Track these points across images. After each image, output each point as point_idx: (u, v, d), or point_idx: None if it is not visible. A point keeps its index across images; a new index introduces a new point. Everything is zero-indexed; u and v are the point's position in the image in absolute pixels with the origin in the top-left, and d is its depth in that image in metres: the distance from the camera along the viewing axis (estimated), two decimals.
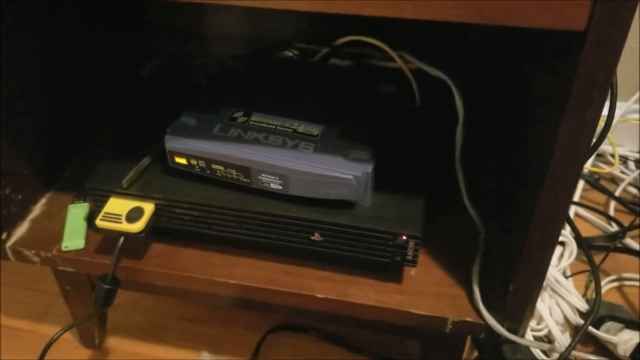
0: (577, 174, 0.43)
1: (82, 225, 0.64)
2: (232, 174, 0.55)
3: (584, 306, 0.71)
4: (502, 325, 0.55)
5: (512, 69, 0.67)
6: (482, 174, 0.67)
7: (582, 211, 0.94)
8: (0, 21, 0.57)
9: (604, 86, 0.38)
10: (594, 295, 0.77)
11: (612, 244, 0.84)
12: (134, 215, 0.56)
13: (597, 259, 0.82)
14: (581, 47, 0.36)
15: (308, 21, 0.81)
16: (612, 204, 0.95)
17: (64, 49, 0.68)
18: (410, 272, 0.59)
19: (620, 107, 0.98)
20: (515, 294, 0.52)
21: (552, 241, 0.47)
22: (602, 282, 0.83)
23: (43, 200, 0.68)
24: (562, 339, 0.69)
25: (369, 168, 0.52)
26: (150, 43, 0.90)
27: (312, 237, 0.55)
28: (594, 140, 0.43)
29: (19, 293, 0.86)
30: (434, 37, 0.76)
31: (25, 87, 0.63)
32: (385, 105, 0.61)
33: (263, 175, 0.54)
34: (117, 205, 0.57)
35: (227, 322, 0.81)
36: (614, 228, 0.90)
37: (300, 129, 0.56)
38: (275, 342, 0.78)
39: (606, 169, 0.99)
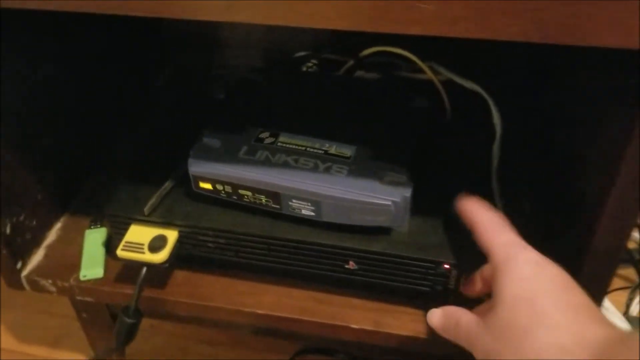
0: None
1: (100, 252, 0.61)
2: (261, 199, 0.52)
3: (625, 327, 0.67)
4: None
5: (552, 81, 0.64)
6: (516, 192, 0.64)
7: None
8: (13, 40, 0.55)
9: None
10: (635, 313, 0.74)
11: None
12: (157, 245, 0.53)
13: (630, 272, 0.79)
14: None
15: (329, 30, 0.77)
16: None
17: (74, 65, 0.65)
18: (450, 298, 0.56)
19: None
20: None
21: (610, 272, 0.44)
22: (638, 299, 0.79)
23: (58, 225, 0.65)
24: None
25: (407, 192, 0.49)
26: (163, 52, 0.86)
27: (346, 266, 0.52)
28: None
29: (32, 317, 0.84)
30: (464, 46, 0.73)
31: (36, 105, 0.60)
32: (418, 121, 0.57)
33: (294, 201, 0.50)
34: (139, 233, 0.54)
35: (250, 345, 0.78)
36: None
37: (332, 150, 0.52)
38: None
39: None
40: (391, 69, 0.67)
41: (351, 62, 0.67)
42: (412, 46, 0.66)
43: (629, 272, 0.79)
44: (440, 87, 0.63)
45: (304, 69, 0.74)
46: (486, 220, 0.45)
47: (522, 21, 0.33)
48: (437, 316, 0.48)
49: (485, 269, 0.49)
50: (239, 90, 0.63)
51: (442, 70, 0.63)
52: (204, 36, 0.85)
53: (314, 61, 0.76)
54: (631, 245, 0.87)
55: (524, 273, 0.40)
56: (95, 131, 0.70)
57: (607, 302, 0.72)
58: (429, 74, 0.64)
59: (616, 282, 0.78)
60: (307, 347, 0.76)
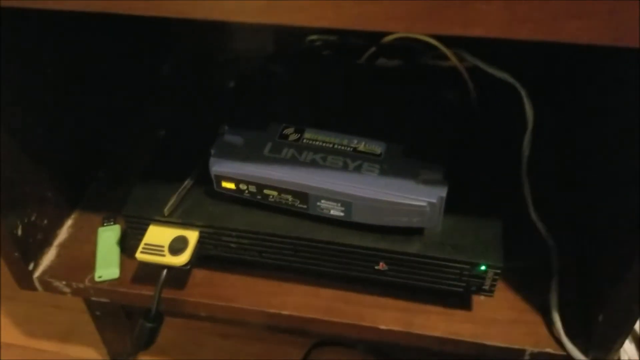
0: None
1: (115, 251, 0.58)
2: (287, 199, 0.49)
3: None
4: (586, 356, 0.50)
5: (586, 73, 0.61)
6: (548, 186, 0.62)
7: None
8: (20, 36, 0.51)
9: None
10: None
11: None
12: (177, 247, 0.51)
13: None
14: None
15: None
16: None
17: (80, 50, 0.62)
18: (480, 297, 0.54)
19: None
20: (606, 324, 0.48)
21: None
22: None
23: (69, 222, 0.62)
24: (631, 349, 0.64)
25: (443, 192, 0.47)
26: (167, 37, 0.82)
27: (376, 267, 0.50)
28: None
29: (42, 311, 0.81)
30: None
31: (44, 101, 0.57)
32: (448, 114, 0.55)
33: (323, 201, 0.48)
34: (158, 235, 0.52)
35: (265, 338, 0.76)
36: None
37: (361, 147, 0.50)
38: (320, 358, 0.74)
39: None
40: (414, 55, 0.64)
41: (373, 49, 0.64)
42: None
43: None
44: (466, 75, 0.61)
45: (323, 53, 0.71)
46: None
47: (594, 24, 0.30)
48: None
49: None
50: (251, 79, 0.59)
51: (468, 57, 0.60)
52: (207, 21, 0.81)
53: (328, 45, 0.73)
54: None
55: None
56: (103, 124, 0.67)
57: None
58: (455, 61, 0.61)
59: None
60: (324, 339, 0.75)
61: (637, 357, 0.65)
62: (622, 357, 0.65)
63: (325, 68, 0.62)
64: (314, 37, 0.75)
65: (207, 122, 0.55)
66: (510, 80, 0.56)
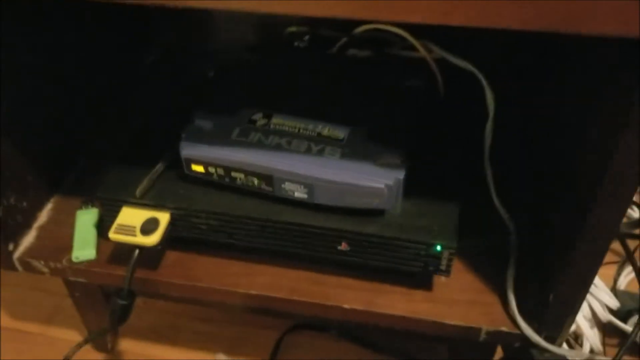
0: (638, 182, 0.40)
1: (92, 233, 0.60)
2: (253, 182, 0.51)
3: (615, 303, 0.68)
4: (540, 335, 0.52)
5: (548, 63, 0.63)
6: (511, 172, 0.64)
7: None
8: None
9: None
10: (622, 287, 0.75)
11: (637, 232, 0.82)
12: (149, 227, 0.53)
13: (619, 246, 0.80)
14: None
15: None
16: None
17: (61, 44, 0.64)
18: (440, 278, 0.56)
19: None
20: (556, 304, 0.50)
21: (603, 251, 0.44)
22: (625, 272, 0.81)
23: (49, 206, 0.64)
24: (593, 336, 0.67)
25: (401, 175, 0.49)
26: (149, 28, 0.85)
27: (339, 247, 0.52)
28: None
29: (26, 294, 0.84)
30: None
31: (24, 86, 0.59)
32: (412, 101, 0.57)
33: (287, 183, 0.50)
34: (131, 216, 0.54)
35: (243, 322, 0.79)
36: (636, 213, 0.87)
37: (325, 132, 0.52)
38: (295, 342, 0.76)
39: None
40: (384, 46, 0.67)
41: (344, 39, 0.66)
42: (406, 24, 0.65)
43: (616, 245, 0.80)
44: (434, 65, 0.63)
45: (297, 44, 0.73)
46: None
47: (524, 10, 0.32)
48: None
49: None
50: (229, 69, 0.62)
51: (435, 48, 0.63)
52: (191, 11, 0.84)
53: (307, 37, 0.75)
54: None
55: None
56: (84, 112, 0.69)
57: (598, 281, 0.73)
58: (423, 52, 0.63)
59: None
60: (298, 323, 0.77)
61: (599, 344, 0.68)
62: (584, 345, 0.67)
63: (299, 58, 0.64)
64: (293, 29, 0.77)
65: (184, 109, 0.57)
66: (473, 69, 0.58)
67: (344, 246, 0.52)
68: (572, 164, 0.49)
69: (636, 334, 0.58)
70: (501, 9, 0.32)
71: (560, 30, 0.33)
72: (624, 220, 0.88)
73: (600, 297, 0.69)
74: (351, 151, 0.50)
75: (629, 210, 0.88)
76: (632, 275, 0.81)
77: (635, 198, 0.90)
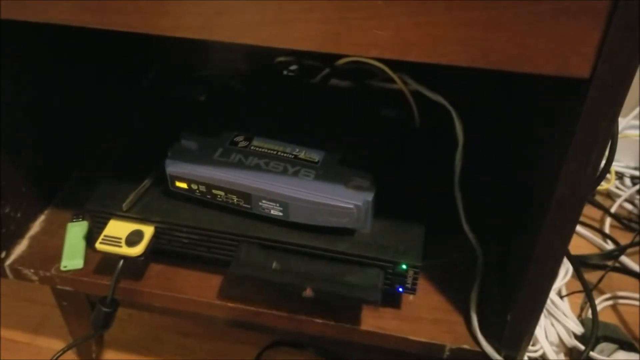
0: (580, 209, 0.43)
1: (81, 245, 0.64)
2: (232, 199, 0.55)
3: (579, 329, 0.71)
4: (499, 354, 0.55)
5: (513, 96, 0.67)
6: (480, 199, 0.68)
7: (578, 227, 0.94)
8: (4, 42, 0.57)
9: (608, 130, 0.38)
10: (589, 315, 0.78)
11: (609, 263, 0.85)
12: (133, 239, 0.56)
13: (593, 276, 0.83)
14: (585, 94, 0.37)
15: None
16: (608, 220, 0.95)
17: (61, 63, 0.68)
18: (409, 297, 0.59)
19: (620, 122, 0.98)
20: (513, 323, 0.53)
21: (553, 273, 0.48)
22: (597, 301, 0.83)
23: (42, 217, 0.68)
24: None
25: (369, 197, 0.52)
26: (150, 54, 0.89)
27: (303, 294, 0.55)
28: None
29: (15, 304, 0.86)
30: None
31: (23, 104, 0.63)
32: (386, 130, 0.61)
33: (264, 201, 0.54)
34: (117, 228, 0.57)
35: (223, 336, 0.81)
36: (610, 245, 0.91)
37: (302, 155, 0.56)
38: (273, 358, 0.79)
39: (603, 185, 1.00)
40: (364, 78, 0.71)
41: (327, 70, 0.71)
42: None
43: (589, 276, 0.83)
44: (409, 96, 0.67)
45: (285, 73, 0.78)
46: None
47: (469, 49, 0.36)
48: None
49: None
50: (218, 94, 0.66)
51: (410, 81, 0.67)
52: (189, 39, 0.88)
53: (295, 66, 0.79)
54: (588, 250, 0.91)
55: None
56: (80, 129, 0.73)
57: (564, 305, 0.76)
58: (400, 84, 0.67)
59: (573, 284, 0.81)
60: (277, 340, 0.79)
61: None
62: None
63: (283, 86, 0.68)
64: (282, 58, 0.81)
65: (173, 129, 0.61)
66: (443, 101, 0.62)
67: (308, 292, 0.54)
68: (529, 192, 0.52)
69: (588, 352, 0.60)
70: (449, 49, 0.36)
71: (504, 69, 0.37)
72: (597, 251, 0.91)
73: (566, 323, 0.72)
74: (325, 173, 0.54)
75: (603, 243, 0.92)
76: (604, 304, 0.84)
77: (608, 231, 0.94)
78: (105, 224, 0.58)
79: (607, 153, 0.44)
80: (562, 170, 0.41)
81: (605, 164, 0.46)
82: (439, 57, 0.37)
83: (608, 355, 0.72)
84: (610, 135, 0.38)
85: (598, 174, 0.42)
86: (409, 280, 0.54)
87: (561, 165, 0.41)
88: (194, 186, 0.55)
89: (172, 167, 0.55)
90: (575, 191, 0.41)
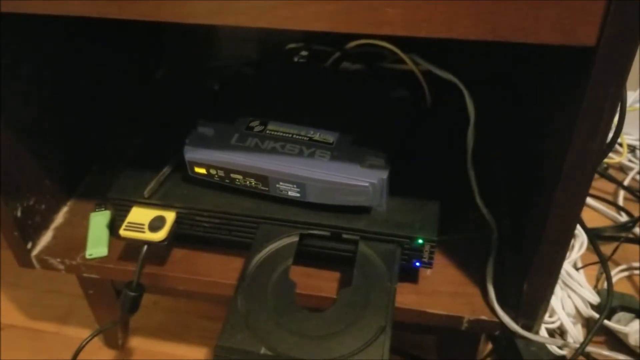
0: (590, 178, 0.44)
1: (104, 233, 0.65)
2: (250, 182, 0.56)
3: (595, 299, 0.72)
4: (517, 323, 0.56)
5: (522, 72, 0.68)
6: (493, 174, 0.69)
7: (591, 201, 0.95)
8: (14, 30, 0.59)
9: (616, 97, 0.39)
10: (605, 286, 0.79)
11: (622, 235, 0.85)
12: (156, 225, 0.58)
13: (608, 248, 0.84)
14: (592, 62, 0.38)
15: None
16: (622, 193, 0.96)
17: (79, 54, 0.70)
18: (426, 272, 0.60)
19: (629, 96, 0.98)
20: (529, 292, 0.54)
21: (565, 241, 0.49)
22: (613, 272, 0.84)
23: (65, 209, 0.70)
24: (575, 332, 0.70)
25: (384, 175, 0.53)
26: (162, 45, 0.91)
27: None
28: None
29: (42, 296, 0.89)
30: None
31: (43, 96, 0.64)
32: (398, 110, 0.62)
33: (281, 183, 0.55)
34: (140, 215, 0.59)
35: None
36: (624, 218, 0.91)
37: (316, 137, 0.57)
38: None
39: (615, 158, 1.00)
40: (375, 60, 0.72)
41: (338, 54, 0.72)
42: (395, 38, 0.71)
43: (603, 248, 0.84)
44: (420, 77, 0.68)
45: (295, 60, 0.79)
46: None
47: (479, 23, 0.37)
48: None
49: None
50: (232, 82, 0.67)
51: (421, 61, 0.68)
52: (200, 30, 0.90)
53: (305, 52, 0.80)
54: (602, 223, 0.92)
55: None
56: (99, 121, 0.75)
57: (580, 276, 0.77)
58: (410, 65, 0.68)
59: (589, 257, 0.82)
60: None
61: (581, 338, 0.71)
62: (568, 340, 0.71)
63: (295, 72, 0.70)
64: (292, 45, 0.82)
65: (189, 118, 0.63)
66: (455, 80, 0.63)
67: None
68: (540, 163, 0.53)
69: (603, 318, 0.61)
70: (459, 23, 0.37)
71: (512, 40, 0.38)
72: (611, 223, 0.92)
73: (582, 293, 0.73)
74: (340, 153, 0.55)
75: (616, 215, 0.92)
76: (619, 275, 0.84)
77: (622, 204, 0.94)
78: (127, 212, 0.59)
79: (616, 120, 0.45)
80: (573, 137, 0.41)
81: (615, 133, 0.47)
82: (448, 32, 0.38)
83: (625, 325, 0.73)
84: (618, 101, 0.39)
85: (608, 141, 0.43)
86: (426, 254, 0.55)
87: (572, 132, 0.42)
88: (213, 171, 0.57)
89: (191, 154, 0.57)
90: (585, 159, 0.42)
